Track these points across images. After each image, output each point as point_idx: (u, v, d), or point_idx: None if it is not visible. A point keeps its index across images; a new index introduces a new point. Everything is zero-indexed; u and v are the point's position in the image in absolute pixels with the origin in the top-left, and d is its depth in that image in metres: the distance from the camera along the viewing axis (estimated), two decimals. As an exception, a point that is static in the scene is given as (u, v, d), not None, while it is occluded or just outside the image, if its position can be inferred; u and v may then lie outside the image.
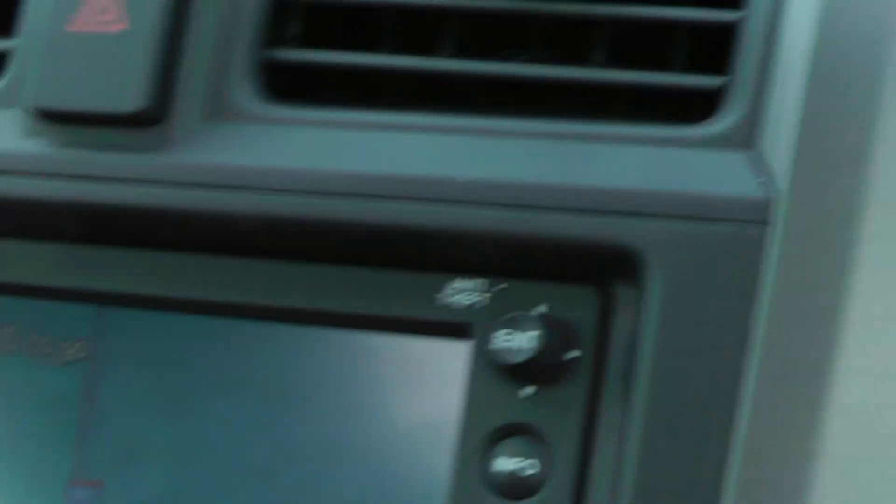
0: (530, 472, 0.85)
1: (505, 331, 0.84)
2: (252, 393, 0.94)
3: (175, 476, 0.95)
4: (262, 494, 0.93)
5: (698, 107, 0.88)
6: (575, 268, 0.85)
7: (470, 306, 0.87)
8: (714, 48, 0.90)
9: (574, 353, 0.85)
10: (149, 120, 0.91)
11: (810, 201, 0.84)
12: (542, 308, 0.86)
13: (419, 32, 0.95)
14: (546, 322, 0.84)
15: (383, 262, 0.89)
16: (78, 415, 0.97)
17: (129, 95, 0.91)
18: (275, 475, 0.92)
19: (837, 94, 0.86)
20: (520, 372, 0.84)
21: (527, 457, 0.85)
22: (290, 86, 0.93)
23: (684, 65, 0.92)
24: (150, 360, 0.96)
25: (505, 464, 0.85)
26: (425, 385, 0.90)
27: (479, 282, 0.87)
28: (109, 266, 0.95)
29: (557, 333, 0.84)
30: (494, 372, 0.85)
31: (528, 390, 0.86)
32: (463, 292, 0.88)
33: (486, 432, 0.86)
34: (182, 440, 0.95)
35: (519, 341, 0.84)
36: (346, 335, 0.91)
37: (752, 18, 0.88)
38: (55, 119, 0.93)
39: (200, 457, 0.95)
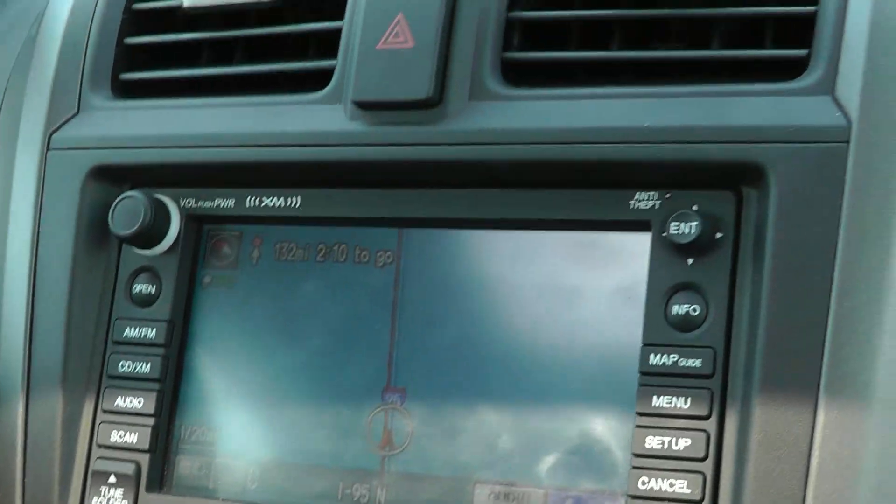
0: (695, 313, 0.97)
1: (675, 223, 0.96)
2: (507, 290, 1.04)
3: (465, 378, 1.04)
4: (536, 384, 1.02)
5: (785, 71, 0.98)
6: (718, 179, 0.98)
7: (650, 208, 1.00)
8: (797, 27, 0.99)
9: (720, 235, 0.97)
10: (431, 104, 1.05)
11: (875, 128, 0.94)
12: (697, 207, 0.98)
13: (596, 31, 1.06)
14: (701, 216, 0.96)
15: (595, 185, 1.02)
16: (390, 314, 1.06)
17: (418, 88, 1.05)
18: (534, 359, 1.02)
19: (890, 55, 0.95)
20: (686, 249, 0.97)
21: (692, 303, 0.97)
22: (523, 75, 1.06)
23: (773, 41, 1.01)
24: (437, 264, 1.07)
25: (679, 308, 0.97)
26: (623, 264, 1.01)
27: (654, 193, 1.00)
28: (405, 201, 1.08)
29: (709, 222, 0.96)
30: (669, 250, 0.98)
31: (691, 260, 0.98)
32: (644, 200, 1.01)
33: (664, 289, 0.98)
34: (465, 340, 1.04)
35: (685, 229, 0.96)
36: (569, 236, 1.03)
37: (824, 8, 0.98)
38: (368, 108, 1.07)
39: (478, 354, 1.04)
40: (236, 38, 1.18)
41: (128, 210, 1.12)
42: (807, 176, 0.94)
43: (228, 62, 1.20)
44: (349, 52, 1.09)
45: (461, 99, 1.05)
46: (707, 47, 1.03)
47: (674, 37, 1.07)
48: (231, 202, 1.14)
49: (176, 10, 1.20)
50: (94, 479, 1.12)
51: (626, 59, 1.04)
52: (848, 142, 0.93)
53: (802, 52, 0.98)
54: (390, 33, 1.07)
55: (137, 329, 1.14)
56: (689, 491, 0.94)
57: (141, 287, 1.15)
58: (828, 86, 0.96)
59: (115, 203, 1.13)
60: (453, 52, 1.06)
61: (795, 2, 0.99)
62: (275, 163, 1.10)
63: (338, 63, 1.10)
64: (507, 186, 1.05)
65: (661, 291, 0.99)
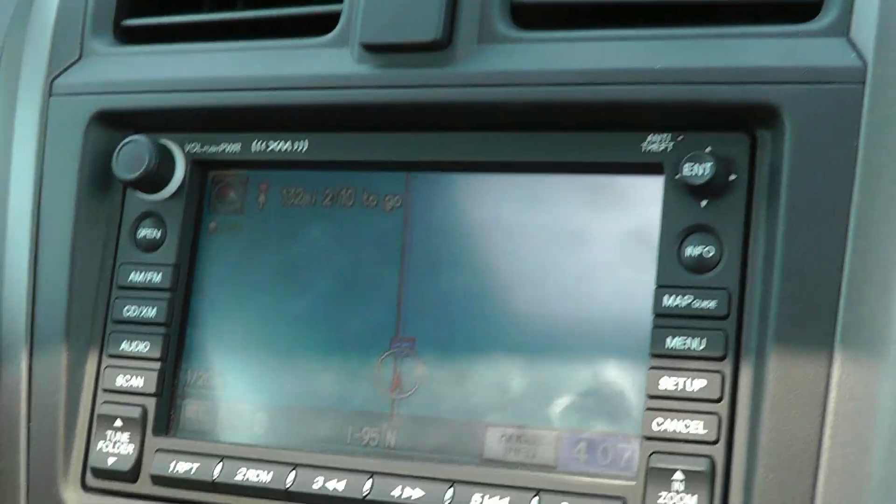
0: (709, 254, 0.95)
1: (689, 164, 0.95)
2: (517, 234, 1.02)
3: (474, 323, 1.03)
4: (542, 329, 1.00)
5: (799, 13, 0.97)
6: (732, 121, 0.96)
7: (662, 151, 0.98)
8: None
9: (733, 177, 0.96)
10: (440, 46, 1.03)
11: (890, 69, 0.92)
12: (711, 149, 0.96)
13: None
14: (715, 157, 0.94)
15: (606, 127, 1.00)
16: (399, 260, 1.04)
17: (427, 30, 1.03)
18: (545, 303, 1.01)
19: None
20: (699, 190, 0.95)
21: (706, 245, 0.95)
22: (529, 18, 1.04)
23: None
24: (446, 208, 1.05)
25: (692, 250, 0.96)
26: (634, 207, 1.00)
27: (667, 135, 0.99)
28: (413, 144, 1.06)
29: (722, 164, 0.95)
30: (682, 192, 0.96)
31: (705, 202, 0.96)
32: (657, 142, 0.99)
33: (678, 231, 0.96)
34: (474, 286, 1.03)
35: (698, 170, 0.94)
36: (580, 179, 1.01)
37: None
38: (376, 50, 1.05)
39: (488, 299, 1.02)
40: (240, -17, 1.15)
41: (132, 154, 1.10)
42: (822, 117, 0.93)
43: (232, 8, 1.17)
44: (356, -5, 1.06)
45: (470, 41, 1.03)
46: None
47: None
48: (237, 147, 1.12)
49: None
50: (100, 422, 1.10)
51: (637, 2, 1.02)
52: (863, 83, 0.92)
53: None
54: (398, -25, 1.03)
55: (143, 273, 1.12)
56: (704, 432, 0.92)
57: (146, 232, 1.13)
58: (843, 27, 0.95)
59: (118, 147, 1.10)
60: (463, -6, 1.03)
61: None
62: (281, 106, 1.08)
63: (344, 6, 1.08)
64: (517, 129, 1.03)
65: (674, 233, 0.97)
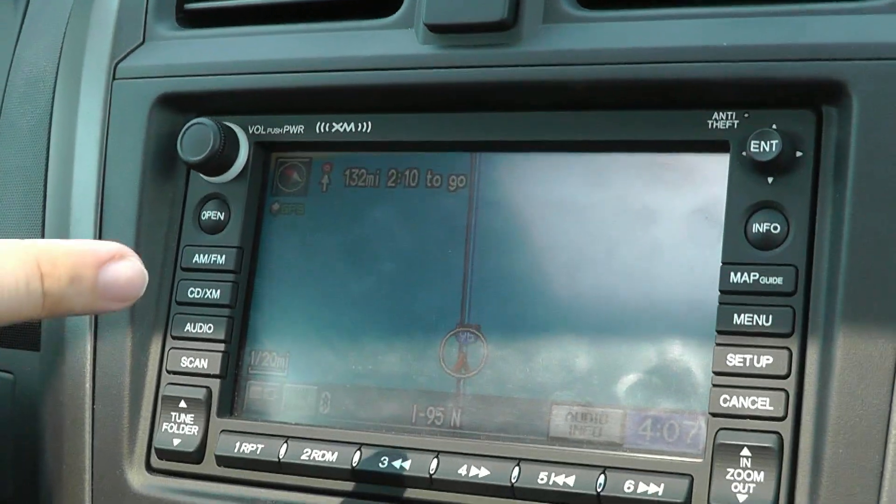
0: (776, 231, 0.97)
1: (756, 141, 0.96)
2: (583, 213, 1.04)
3: (540, 302, 1.04)
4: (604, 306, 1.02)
5: None
6: (798, 98, 0.98)
7: (728, 128, 1.00)
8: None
9: (800, 154, 0.98)
10: (505, 26, 1.05)
11: None
12: (777, 126, 0.97)
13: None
14: (781, 134, 0.96)
15: (672, 105, 1.02)
16: (463, 240, 1.06)
17: (492, 10, 1.05)
18: (611, 282, 1.03)
19: None
20: (765, 167, 0.97)
21: (773, 222, 0.97)
22: None
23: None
24: (511, 188, 1.07)
25: (759, 227, 0.97)
26: (699, 185, 1.02)
27: (733, 112, 1.00)
28: (478, 124, 1.08)
29: (789, 141, 0.97)
30: (748, 169, 0.98)
31: (771, 179, 0.98)
32: (723, 120, 1.01)
33: (744, 208, 0.98)
34: (540, 265, 1.05)
35: (765, 147, 0.96)
36: (645, 158, 1.04)
37: None
38: (441, 31, 1.07)
39: (553, 279, 1.04)
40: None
41: (197, 137, 1.13)
42: (889, 93, 0.94)
43: (294, -9, 1.19)
44: (421, -25, 1.08)
45: (535, 21, 1.05)
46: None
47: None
48: (300, 128, 1.14)
49: (242, -61, 1.20)
50: (165, 404, 1.13)
51: None
52: None
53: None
54: (464, -44, 1.05)
55: (207, 255, 1.15)
56: (771, 408, 0.94)
57: (210, 214, 1.16)
58: None
59: (183, 129, 1.13)
60: (527, -27, 1.05)
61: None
62: (346, 87, 1.11)
63: None
64: (582, 108, 1.05)
65: (740, 210, 0.99)
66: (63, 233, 1.20)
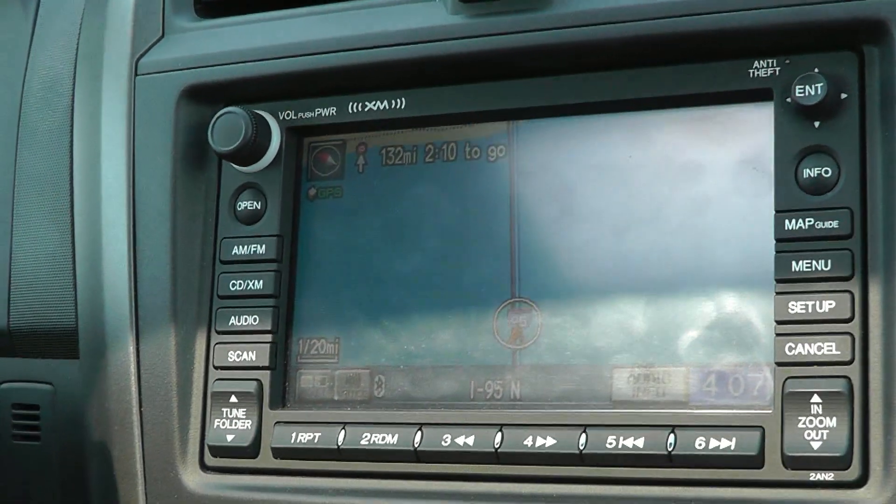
0: (827, 175, 0.99)
1: (800, 86, 0.98)
2: (627, 174, 1.07)
3: (592, 269, 1.06)
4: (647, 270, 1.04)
5: None
6: (838, 40, 1.00)
7: (770, 76, 1.02)
8: None
9: (845, 96, 0.99)
10: None
11: None
12: (819, 69, 0.99)
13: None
14: (826, 77, 0.98)
15: (710, 57, 1.04)
16: (508, 211, 1.08)
17: None
18: (662, 241, 1.05)
19: None
20: (812, 112, 0.99)
21: (824, 166, 0.99)
22: None
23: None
24: (551, 154, 1.09)
25: (810, 172, 0.99)
26: (744, 135, 1.04)
27: (773, 59, 1.02)
28: (512, 92, 1.10)
29: (832, 83, 0.98)
30: (794, 115, 1.00)
31: (818, 123, 1.00)
32: (764, 67, 1.02)
33: (793, 153, 1.00)
34: (588, 231, 1.06)
35: (810, 90, 0.98)
36: (687, 113, 1.05)
37: None
38: (470, 0, 1.09)
39: (604, 243, 1.05)
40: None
41: (228, 126, 1.15)
42: None
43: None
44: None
45: None
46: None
47: None
48: (332, 110, 1.16)
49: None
50: (215, 400, 1.15)
51: None
52: None
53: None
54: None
55: (246, 246, 1.17)
56: (838, 353, 0.96)
57: (246, 204, 1.18)
58: None
59: (213, 120, 1.15)
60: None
61: None
62: (377, 64, 1.12)
63: None
64: (618, 67, 1.07)
65: (789, 156, 1.01)
66: (95, 235, 1.22)
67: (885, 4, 0.97)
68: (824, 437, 0.96)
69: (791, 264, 0.99)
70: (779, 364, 0.98)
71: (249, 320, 1.15)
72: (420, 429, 1.07)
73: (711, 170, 1.05)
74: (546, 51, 1.08)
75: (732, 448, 0.98)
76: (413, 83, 1.13)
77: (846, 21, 0.99)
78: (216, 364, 1.16)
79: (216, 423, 1.14)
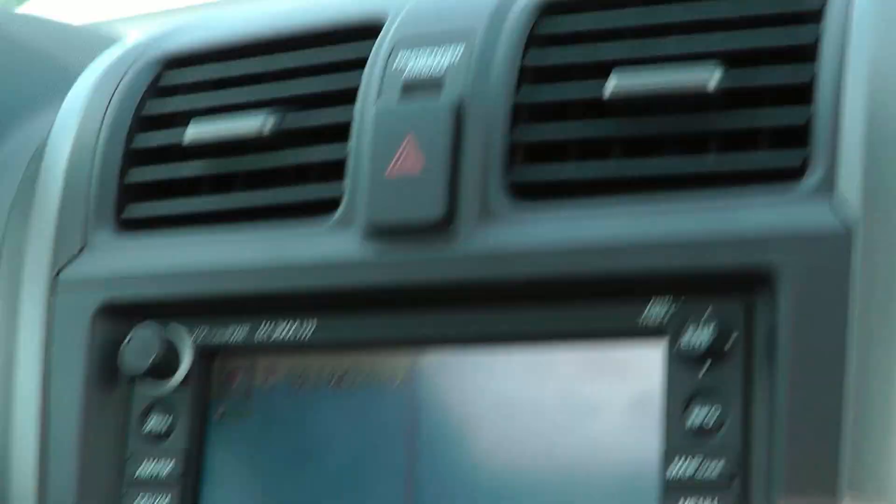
0: (714, 419, 1.03)
1: (689, 330, 1.03)
2: (524, 407, 1.10)
3: (483, 497, 1.09)
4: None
5: (785, 174, 1.05)
6: (729, 286, 1.05)
7: (663, 317, 1.07)
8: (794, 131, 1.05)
9: (734, 336, 1.03)
10: (442, 227, 1.12)
11: (877, 230, 1.00)
12: (711, 313, 1.03)
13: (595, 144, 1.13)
14: (715, 322, 1.03)
15: (607, 295, 1.09)
16: (406, 439, 1.11)
17: (429, 211, 1.12)
18: (554, 478, 1.08)
19: (888, 156, 1.02)
20: (701, 355, 1.03)
21: (710, 409, 1.03)
22: (529, 190, 1.13)
23: (770, 145, 1.07)
24: (452, 385, 1.13)
25: (697, 415, 1.03)
26: (636, 375, 1.08)
27: (667, 300, 1.07)
28: (419, 323, 1.14)
29: (723, 328, 1.03)
30: (684, 357, 1.05)
31: (707, 366, 1.04)
32: (658, 307, 1.07)
33: (682, 397, 1.04)
34: (484, 462, 1.10)
35: (700, 335, 1.03)
36: (584, 348, 1.10)
37: (818, 116, 1.05)
38: (380, 234, 1.14)
39: (497, 475, 1.09)
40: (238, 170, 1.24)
41: (138, 346, 1.19)
42: (812, 280, 1.00)
43: (230, 189, 1.27)
44: (356, 178, 1.16)
45: (471, 220, 1.12)
46: (705, 152, 1.10)
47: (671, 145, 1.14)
48: (244, 331, 1.20)
49: (177, 146, 1.28)
50: None
51: (626, 177, 1.12)
52: (850, 246, 1.00)
53: (797, 163, 1.05)
54: (399, 157, 1.14)
55: (152, 465, 1.20)
56: None
57: (154, 422, 1.21)
58: (828, 190, 1.03)
59: (125, 341, 1.19)
60: (461, 176, 1.13)
61: (789, 112, 1.08)
62: (286, 292, 1.17)
63: (346, 190, 1.17)
64: (522, 303, 1.12)
65: (678, 399, 1.05)
66: (4, 451, 1.24)
67: (769, 257, 1.02)
68: None
69: (676, 505, 1.01)
70: None
71: (153, 540, 1.18)
72: None
73: (603, 408, 1.09)
74: (451, 287, 1.12)
75: None
76: (325, 308, 1.17)
77: (735, 270, 1.04)
78: (118, 582, 1.18)
79: None
